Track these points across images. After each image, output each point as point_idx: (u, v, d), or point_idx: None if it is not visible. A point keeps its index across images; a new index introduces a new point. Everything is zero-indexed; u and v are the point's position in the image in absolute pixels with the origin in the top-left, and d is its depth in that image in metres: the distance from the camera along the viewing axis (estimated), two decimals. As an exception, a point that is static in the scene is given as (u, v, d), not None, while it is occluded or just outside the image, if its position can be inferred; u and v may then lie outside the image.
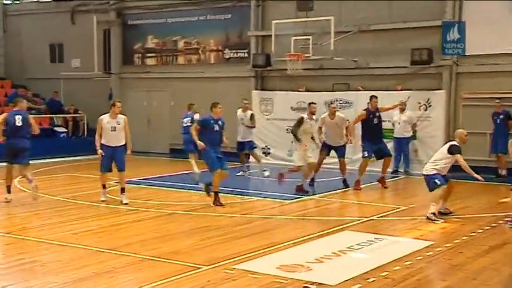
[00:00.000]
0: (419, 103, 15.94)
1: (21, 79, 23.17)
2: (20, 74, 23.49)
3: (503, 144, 14.03)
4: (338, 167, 13.74)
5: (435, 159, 10.23)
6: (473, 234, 8.99)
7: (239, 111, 15.58)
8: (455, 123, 15.84)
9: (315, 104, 13.27)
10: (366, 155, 13.26)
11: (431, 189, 10.05)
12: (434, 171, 10.03)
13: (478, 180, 9.91)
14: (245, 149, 15.52)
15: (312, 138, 12.88)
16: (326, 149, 13.62)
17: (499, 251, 8.11)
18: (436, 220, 9.72)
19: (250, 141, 15.52)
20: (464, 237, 8.76)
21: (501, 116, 15.07)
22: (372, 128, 13.38)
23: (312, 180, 13.17)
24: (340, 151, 13.66)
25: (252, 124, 15.45)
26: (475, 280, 6.78)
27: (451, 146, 10.06)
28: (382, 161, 13.58)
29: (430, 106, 15.90)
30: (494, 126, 15.19)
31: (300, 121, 12.69)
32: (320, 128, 13.52)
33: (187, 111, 14.87)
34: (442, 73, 16.21)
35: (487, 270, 7.19)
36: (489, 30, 15.48)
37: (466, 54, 15.86)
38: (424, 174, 10.31)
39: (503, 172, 14.93)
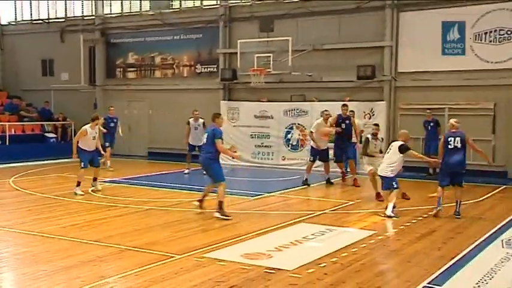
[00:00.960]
0: (364, 112, 16.15)
1: (16, 90, 22.66)
2: (15, 85, 22.96)
3: (434, 147, 14.37)
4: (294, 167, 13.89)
5: (390, 161, 9.92)
6: (408, 224, 9.16)
7: (191, 120, 15.49)
8: (394, 129, 16.10)
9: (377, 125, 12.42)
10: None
11: (386, 189, 10.00)
12: (393, 174, 9.91)
13: (432, 162, 10.55)
14: (193, 151, 15.22)
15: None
16: (315, 154, 13.62)
17: (428, 238, 8.28)
18: (395, 217, 9.54)
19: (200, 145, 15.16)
20: (401, 227, 8.92)
21: (431, 124, 15.40)
22: (340, 132, 13.54)
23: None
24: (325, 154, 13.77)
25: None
26: (409, 262, 6.91)
27: (401, 146, 9.91)
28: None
29: (373, 115, 16.11)
30: (426, 132, 15.48)
31: (366, 141, 11.77)
32: (312, 133, 13.63)
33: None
34: (383, 87, 16.47)
35: (419, 254, 7.33)
36: (421, 52, 15.80)
37: (402, 71, 16.20)
38: (382, 176, 10.07)
39: (431, 170, 15.23)
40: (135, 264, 6.62)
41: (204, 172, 10.68)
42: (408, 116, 16.00)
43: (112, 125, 16.78)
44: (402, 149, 9.94)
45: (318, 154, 13.65)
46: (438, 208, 9.70)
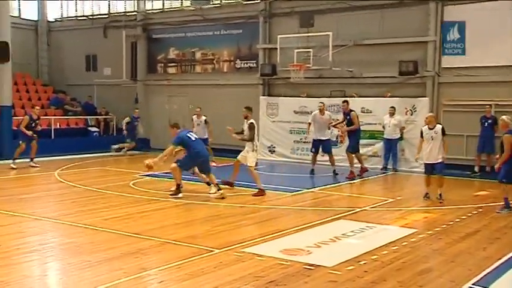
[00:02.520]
0: (406, 108, 15.88)
1: (61, 85, 23.27)
2: (60, 80, 23.58)
3: (490, 145, 14.02)
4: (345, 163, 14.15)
5: (439, 146, 10.54)
6: (451, 223, 8.95)
7: (194, 117, 16.21)
8: (437, 126, 15.80)
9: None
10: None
11: (440, 173, 10.64)
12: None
13: None
14: None
15: None
16: (316, 145, 14.63)
17: (473, 237, 8.08)
18: None
19: (206, 138, 15.42)
20: (444, 226, 8.72)
21: (489, 121, 14.67)
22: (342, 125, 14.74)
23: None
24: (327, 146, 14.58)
25: (208, 127, 15.95)
26: (452, 262, 6.76)
27: (443, 128, 10.59)
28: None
29: (415, 111, 15.82)
30: (482, 128, 14.81)
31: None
32: (310, 124, 14.67)
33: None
34: (426, 83, 16.13)
35: (463, 253, 7.16)
36: (465, 47, 15.35)
37: (447, 67, 15.81)
38: (435, 163, 10.58)
39: (477, 168, 14.83)
40: (175, 257, 6.71)
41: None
42: (452, 113, 15.61)
43: (136, 123, 19.10)
44: (444, 132, 10.55)
45: (320, 146, 14.49)
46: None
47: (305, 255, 6.90)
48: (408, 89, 16.34)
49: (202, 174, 11.42)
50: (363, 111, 16.38)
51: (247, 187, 12.31)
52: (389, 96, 16.23)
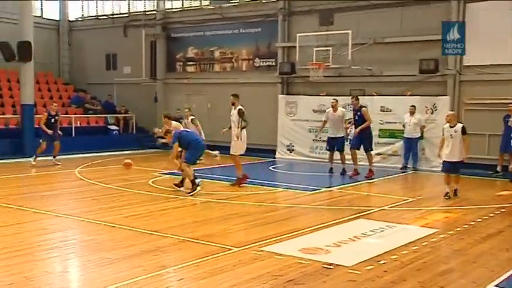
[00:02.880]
0: (426, 107, 15.71)
1: (82, 84, 23.53)
2: (81, 79, 23.85)
3: None
4: (364, 162, 14.06)
5: (460, 146, 10.56)
6: (473, 223, 8.83)
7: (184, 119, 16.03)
8: (459, 125, 15.62)
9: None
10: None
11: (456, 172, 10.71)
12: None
13: None
14: None
15: None
16: (331, 143, 14.64)
17: (495, 238, 7.96)
18: None
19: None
20: (465, 226, 8.61)
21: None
22: (352, 124, 14.53)
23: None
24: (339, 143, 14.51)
25: (196, 127, 15.59)
26: (474, 263, 6.66)
27: (464, 127, 10.56)
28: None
29: (436, 110, 15.65)
30: (505, 127, 14.42)
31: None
32: (325, 122, 14.64)
33: None
34: (447, 81, 15.94)
35: (485, 254, 7.05)
36: (488, 44, 15.15)
37: (469, 65, 15.59)
38: (455, 161, 10.63)
39: (499, 168, 14.59)
40: (194, 255, 6.73)
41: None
42: (473, 111, 15.40)
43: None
44: (465, 131, 10.56)
45: (334, 144, 14.43)
46: None
47: (324, 254, 6.87)
48: (429, 88, 16.17)
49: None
50: (382, 110, 16.30)
51: (265, 186, 12.32)
52: (410, 95, 16.08)
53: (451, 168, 10.75)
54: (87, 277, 6.07)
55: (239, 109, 12.10)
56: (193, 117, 15.91)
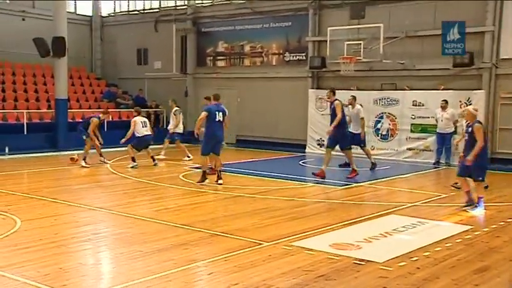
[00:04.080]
0: (460, 101, 15.36)
1: (114, 79, 23.85)
2: (113, 74, 24.17)
3: None
4: (384, 158, 13.71)
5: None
6: (509, 220, 8.61)
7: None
8: (494, 119, 15.25)
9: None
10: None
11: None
12: None
13: None
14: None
15: None
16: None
17: (533, 236, 7.75)
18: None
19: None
20: (501, 223, 8.41)
21: None
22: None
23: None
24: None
25: (176, 118, 16.33)
26: (511, 261, 6.49)
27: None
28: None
29: (470, 104, 15.27)
30: None
31: None
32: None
33: None
34: (482, 75, 15.58)
35: (522, 253, 6.88)
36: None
37: (506, 57, 15.19)
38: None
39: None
40: (224, 249, 6.75)
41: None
42: (509, 106, 15.04)
43: None
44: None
45: (352, 139, 13.95)
46: None
47: (355, 250, 6.80)
48: (463, 82, 15.83)
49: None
50: (414, 105, 16.06)
51: (295, 180, 12.27)
52: (443, 89, 15.78)
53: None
54: (119, 269, 6.15)
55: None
56: (176, 108, 16.44)
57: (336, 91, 17.53)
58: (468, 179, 9.41)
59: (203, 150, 11.54)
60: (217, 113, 11.37)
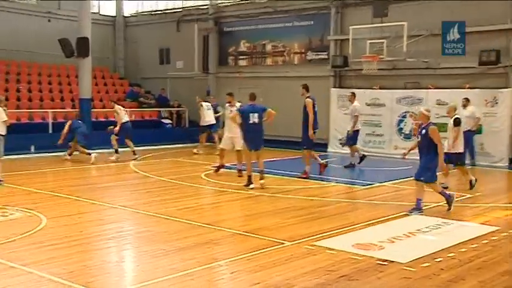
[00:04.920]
0: (486, 100, 15.13)
1: (136, 78, 24.05)
2: (135, 74, 24.37)
3: None
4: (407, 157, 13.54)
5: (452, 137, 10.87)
6: (538, 221, 8.48)
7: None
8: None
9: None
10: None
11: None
12: None
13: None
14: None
15: None
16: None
17: (562, 238, 7.60)
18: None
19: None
20: (529, 224, 8.28)
21: None
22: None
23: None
24: None
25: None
26: (539, 264, 6.39)
27: (456, 119, 10.84)
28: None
29: (496, 103, 15.06)
30: None
31: None
32: (357, 116, 14.53)
33: None
34: (509, 73, 15.31)
35: (551, 255, 6.76)
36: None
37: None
38: (452, 153, 10.73)
39: None
40: (246, 248, 6.77)
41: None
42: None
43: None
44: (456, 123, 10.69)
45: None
46: None
47: (377, 250, 6.76)
48: (489, 80, 15.58)
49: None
50: (438, 103, 15.84)
51: (317, 180, 12.23)
52: (468, 88, 15.54)
53: (452, 159, 10.87)
54: (143, 268, 6.21)
55: (240, 106, 12.49)
56: (202, 103, 17.58)
57: (358, 90, 17.69)
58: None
59: (247, 145, 11.14)
60: (251, 114, 10.89)
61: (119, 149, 15.46)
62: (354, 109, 14.65)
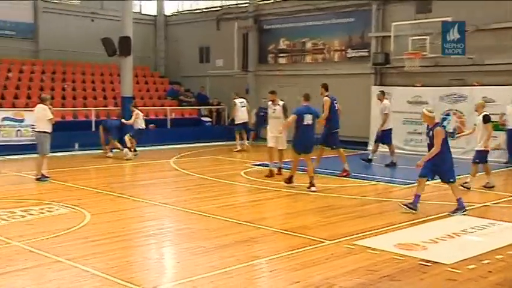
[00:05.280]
0: (535, 98, 14.63)
1: (176, 77, 24.33)
2: (176, 72, 24.65)
3: None
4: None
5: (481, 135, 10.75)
6: None
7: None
8: None
9: None
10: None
11: (473, 161, 10.88)
12: None
13: None
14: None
15: None
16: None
17: None
18: None
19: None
20: None
21: None
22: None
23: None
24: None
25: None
26: None
27: (485, 116, 10.69)
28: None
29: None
30: None
31: None
32: (387, 115, 14.40)
33: None
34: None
35: None
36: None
37: None
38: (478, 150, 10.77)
39: None
40: (286, 247, 6.74)
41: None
42: None
43: (262, 114, 18.72)
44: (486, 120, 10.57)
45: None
46: None
47: (420, 250, 6.61)
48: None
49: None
50: (484, 101, 15.35)
51: (357, 179, 12.07)
52: (515, 85, 15.06)
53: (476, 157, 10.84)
54: (183, 265, 6.26)
55: (283, 104, 12.35)
56: (238, 100, 17.79)
57: (400, 87, 17.38)
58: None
59: (296, 149, 10.80)
60: (305, 115, 10.58)
61: (134, 149, 15.81)
62: (383, 107, 14.52)
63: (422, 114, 9.06)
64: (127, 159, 15.12)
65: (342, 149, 12.50)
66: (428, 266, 6.01)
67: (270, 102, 12.55)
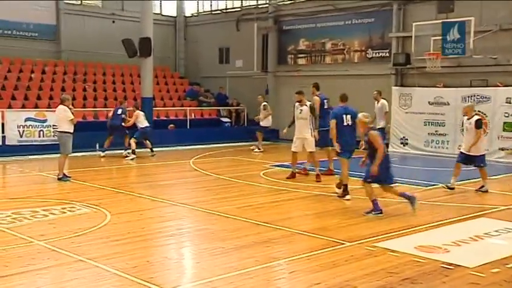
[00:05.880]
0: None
1: (196, 77, 24.45)
2: (195, 73, 24.77)
3: None
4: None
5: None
6: None
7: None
8: None
9: None
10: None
11: (478, 166, 10.70)
12: None
13: None
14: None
15: None
16: None
17: None
18: None
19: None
20: None
21: None
22: None
23: None
24: None
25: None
26: None
27: (477, 120, 10.47)
28: None
29: None
30: None
31: None
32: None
33: None
34: None
35: None
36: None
37: None
38: (470, 155, 10.57)
39: None
40: (305, 248, 6.71)
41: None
42: None
43: None
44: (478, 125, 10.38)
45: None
46: None
47: (442, 253, 6.53)
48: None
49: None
50: (508, 102, 15.19)
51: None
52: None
53: (466, 160, 10.71)
54: (202, 265, 6.26)
55: (311, 105, 12.07)
56: (264, 103, 18.06)
57: (421, 88, 17.20)
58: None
59: (342, 154, 10.30)
60: (344, 116, 10.13)
61: (136, 150, 15.79)
62: (383, 106, 14.83)
63: (358, 120, 9.01)
64: (126, 159, 15.21)
65: (330, 148, 12.10)
66: (450, 269, 5.93)
67: (297, 103, 12.30)
